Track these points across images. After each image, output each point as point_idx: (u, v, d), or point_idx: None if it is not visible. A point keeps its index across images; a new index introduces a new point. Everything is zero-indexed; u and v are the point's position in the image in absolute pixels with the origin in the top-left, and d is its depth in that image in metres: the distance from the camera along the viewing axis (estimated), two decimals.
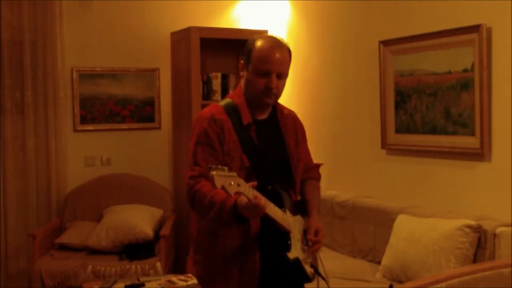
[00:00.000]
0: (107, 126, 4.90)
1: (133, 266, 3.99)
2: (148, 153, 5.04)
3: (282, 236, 2.15)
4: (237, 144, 2.16)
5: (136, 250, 4.15)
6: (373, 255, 3.68)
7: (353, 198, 3.97)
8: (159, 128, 5.07)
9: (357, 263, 3.70)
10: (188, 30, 4.66)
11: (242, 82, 2.27)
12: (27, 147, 4.56)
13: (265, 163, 2.19)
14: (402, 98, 3.81)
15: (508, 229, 2.99)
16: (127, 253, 4.13)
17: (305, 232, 2.25)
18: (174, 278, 3.61)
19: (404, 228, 3.36)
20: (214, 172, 1.79)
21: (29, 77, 4.55)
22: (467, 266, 2.96)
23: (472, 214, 3.23)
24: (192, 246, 2.32)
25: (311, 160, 2.50)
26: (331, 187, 4.24)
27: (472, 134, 3.34)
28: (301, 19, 4.84)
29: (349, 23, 4.31)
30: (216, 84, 4.85)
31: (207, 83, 4.83)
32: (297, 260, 2.18)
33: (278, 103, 2.34)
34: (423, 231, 3.21)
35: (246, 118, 2.20)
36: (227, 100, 2.28)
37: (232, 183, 1.83)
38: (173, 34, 4.94)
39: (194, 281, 3.57)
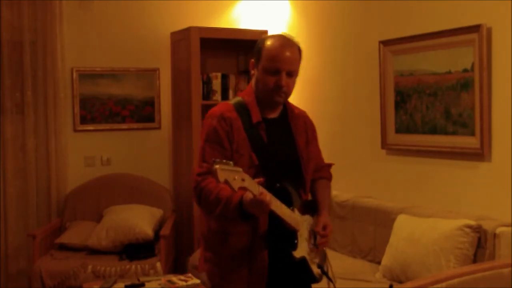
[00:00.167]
0: (107, 126, 4.90)
1: (133, 266, 3.99)
2: (148, 153, 5.04)
3: (289, 235, 2.15)
4: (246, 142, 2.17)
5: (136, 250, 4.15)
6: (373, 255, 3.68)
7: (353, 198, 3.97)
8: (159, 128, 5.08)
9: (357, 263, 3.70)
10: (188, 30, 4.67)
11: (253, 81, 2.27)
12: (27, 147, 4.57)
13: (274, 162, 2.19)
14: (402, 98, 3.81)
15: (508, 229, 2.99)
16: (127, 253, 4.13)
17: (313, 231, 2.24)
18: (174, 278, 3.64)
19: (404, 228, 3.36)
20: (217, 166, 1.79)
21: (29, 77, 4.55)
22: (467, 266, 2.96)
23: (472, 214, 3.23)
24: (202, 243, 2.33)
25: (322, 159, 2.50)
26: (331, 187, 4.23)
27: (472, 134, 3.34)
28: (301, 19, 4.84)
29: (349, 23, 4.31)
30: (216, 84, 4.85)
31: (207, 83, 4.83)
32: (303, 259, 2.18)
33: (288, 102, 2.34)
34: (423, 231, 3.21)
35: (256, 117, 2.21)
36: (237, 99, 2.29)
37: (236, 177, 1.83)
38: (173, 34, 4.94)
39: (194, 281, 3.59)
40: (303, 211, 2.24)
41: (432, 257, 3.08)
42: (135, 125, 4.99)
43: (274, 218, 2.08)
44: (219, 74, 4.87)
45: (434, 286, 2.66)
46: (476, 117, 3.30)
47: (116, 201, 4.62)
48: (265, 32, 4.91)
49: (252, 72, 2.26)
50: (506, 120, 3.18)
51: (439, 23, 3.52)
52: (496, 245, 2.97)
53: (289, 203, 2.14)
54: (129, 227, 4.23)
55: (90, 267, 3.96)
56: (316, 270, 2.23)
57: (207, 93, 4.84)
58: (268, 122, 2.24)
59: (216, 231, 2.24)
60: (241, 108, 2.22)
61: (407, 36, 3.71)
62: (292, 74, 2.20)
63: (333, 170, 2.55)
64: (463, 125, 3.39)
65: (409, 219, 3.39)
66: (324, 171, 2.48)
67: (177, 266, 4.66)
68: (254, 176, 1.98)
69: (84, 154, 4.85)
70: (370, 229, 3.73)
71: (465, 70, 3.35)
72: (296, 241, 2.15)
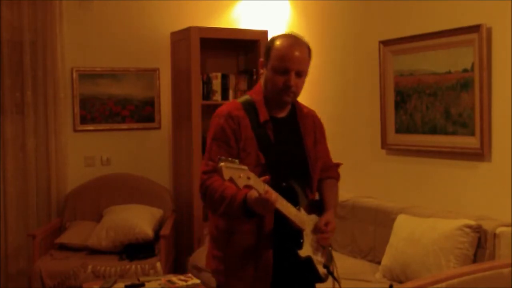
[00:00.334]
0: (107, 126, 4.90)
1: (133, 266, 3.99)
2: (148, 153, 5.04)
3: (295, 234, 2.15)
4: (253, 141, 2.17)
5: (136, 250, 4.15)
6: (373, 255, 3.68)
7: (353, 198, 3.97)
8: (159, 128, 5.08)
9: (357, 263, 3.70)
10: (188, 30, 4.67)
11: (262, 80, 2.28)
12: (27, 147, 4.56)
13: (281, 161, 2.19)
14: (402, 98, 3.81)
15: (508, 229, 2.99)
16: (127, 253, 4.13)
17: (316, 229, 2.23)
18: (174, 278, 3.64)
19: (404, 228, 3.36)
20: (222, 164, 1.80)
21: (29, 77, 4.55)
22: (467, 266, 2.96)
23: (472, 214, 3.23)
24: (211, 241, 2.34)
25: (330, 159, 2.50)
26: None
27: (472, 134, 3.34)
28: (301, 19, 4.84)
29: (349, 23, 4.32)
30: (216, 84, 4.85)
31: (207, 83, 4.83)
32: (309, 259, 2.18)
33: (297, 102, 2.34)
34: (423, 231, 3.21)
35: (263, 116, 2.21)
36: (246, 97, 2.30)
37: (242, 175, 1.84)
38: (173, 34, 4.95)
39: (194, 281, 3.59)
40: (309, 211, 2.24)
41: (432, 257, 3.08)
42: (135, 125, 4.99)
43: (280, 217, 2.09)
44: (219, 74, 4.87)
45: (434, 286, 2.66)
46: (476, 117, 3.30)
47: (116, 201, 4.62)
48: (265, 32, 4.92)
49: (261, 71, 2.27)
50: (506, 120, 3.18)
51: (439, 23, 3.53)
52: (496, 245, 2.97)
53: (295, 202, 2.14)
54: (129, 227, 4.23)
55: (90, 267, 3.96)
56: (321, 270, 2.23)
57: (207, 93, 4.84)
58: (276, 121, 2.25)
59: (222, 229, 2.24)
60: (249, 107, 2.23)
61: (407, 36, 3.72)
62: (301, 74, 2.20)
63: None
64: (463, 125, 3.39)
65: (409, 219, 3.39)
66: (332, 171, 2.48)
67: (177, 266, 4.66)
68: (260, 175, 1.99)
69: (84, 154, 4.85)
70: (370, 229, 3.73)
71: (465, 70, 3.36)
72: (301, 241, 2.15)
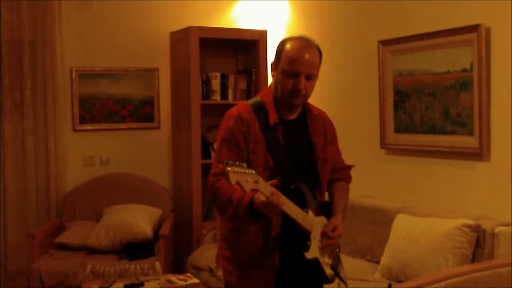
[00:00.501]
0: (106, 126, 4.90)
1: (132, 266, 3.99)
2: (147, 153, 5.04)
3: (302, 236, 2.15)
4: (262, 144, 2.18)
5: (135, 249, 4.15)
6: (372, 255, 3.69)
7: (352, 197, 3.90)
8: (158, 128, 5.08)
9: (356, 262, 3.70)
10: (187, 30, 4.67)
11: (272, 82, 2.28)
12: (27, 147, 4.56)
13: (290, 163, 2.19)
14: (401, 98, 3.81)
15: (507, 228, 3.00)
16: (127, 252, 4.13)
17: (323, 233, 2.24)
18: (173, 277, 3.65)
19: (403, 227, 3.36)
20: (229, 168, 1.80)
21: (28, 77, 4.55)
22: (466, 265, 2.97)
23: (471, 213, 3.23)
24: (220, 242, 2.35)
25: (341, 161, 2.49)
26: None
27: (471, 133, 3.34)
28: (300, 19, 4.85)
29: (348, 23, 4.32)
30: (215, 84, 4.85)
31: (206, 83, 4.83)
32: (315, 261, 2.18)
33: (308, 104, 2.34)
34: (422, 230, 3.21)
35: (273, 118, 2.21)
36: (256, 99, 2.30)
37: (249, 180, 1.84)
38: (173, 34, 4.95)
39: (193, 280, 3.59)
40: (318, 213, 2.24)
41: (431, 256, 3.08)
42: (134, 125, 4.99)
43: (287, 220, 2.09)
44: (218, 74, 4.87)
45: (433, 285, 2.67)
46: (475, 117, 3.31)
47: (116, 200, 4.61)
48: (264, 32, 4.92)
49: (272, 73, 2.27)
50: (505, 119, 3.19)
51: (438, 23, 3.53)
52: (495, 244, 2.98)
53: (303, 205, 2.14)
54: (129, 226, 4.23)
55: (89, 266, 3.97)
56: (328, 271, 2.24)
57: (206, 93, 4.84)
58: (285, 123, 2.24)
59: (231, 230, 2.26)
60: (259, 109, 2.23)
61: (406, 36, 3.72)
62: (311, 77, 2.19)
63: None
64: (462, 125, 3.40)
65: (408, 218, 3.40)
66: (342, 173, 2.47)
67: (176, 266, 4.66)
68: (269, 177, 2.00)
69: (83, 154, 4.85)
70: (369, 229, 3.73)
71: (464, 70, 3.36)
72: (308, 243, 2.15)
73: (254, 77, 4.92)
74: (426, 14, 3.64)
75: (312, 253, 2.16)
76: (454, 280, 2.72)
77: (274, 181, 1.97)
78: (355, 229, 3.86)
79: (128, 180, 4.81)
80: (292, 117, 2.29)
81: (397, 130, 3.86)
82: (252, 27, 5.09)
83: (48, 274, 3.94)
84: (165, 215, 4.65)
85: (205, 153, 4.82)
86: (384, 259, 3.40)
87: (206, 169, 4.74)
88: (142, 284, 3.51)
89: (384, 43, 3.89)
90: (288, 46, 2.20)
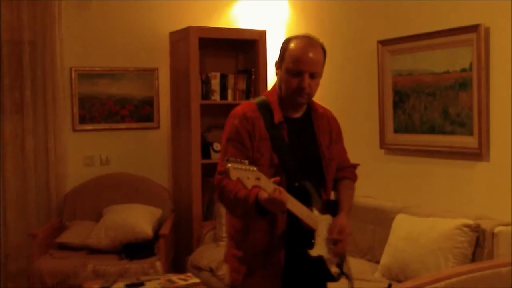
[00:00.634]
0: (106, 125, 4.90)
1: (133, 266, 4.00)
2: (147, 152, 5.04)
3: (307, 234, 2.16)
4: (267, 142, 2.19)
5: (135, 249, 4.16)
6: (372, 255, 3.69)
7: None
8: (158, 127, 5.08)
9: (356, 262, 3.70)
10: (187, 30, 4.67)
11: (277, 81, 2.29)
12: (27, 147, 4.57)
13: (294, 161, 2.20)
14: (400, 98, 3.82)
15: (507, 228, 3.01)
16: (127, 252, 4.14)
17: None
18: (173, 277, 3.65)
19: (403, 227, 3.37)
20: (229, 165, 1.82)
21: (28, 77, 4.55)
22: (466, 265, 2.98)
23: (470, 213, 3.24)
24: (228, 240, 2.36)
25: (347, 159, 2.50)
26: None
27: (470, 133, 3.35)
28: (299, 19, 4.85)
29: (348, 23, 4.32)
30: (215, 83, 4.85)
31: (206, 82, 4.83)
32: (320, 258, 2.19)
33: (313, 102, 2.35)
34: (422, 230, 3.22)
35: (278, 117, 2.23)
36: (261, 98, 2.31)
37: (250, 176, 1.86)
38: (172, 34, 4.95)
39: (193, 280, 3.60)
40: (323, 211, 2.24)
41: (431, 256, 3.09)
42: (134, 125, 5.00)
43: (293, 218, 2.10)
44: (218, 74, 4.87)
45: (433, 285, 2.68)
46: (474, 117, 3.32)
47: (116, 200, 4.62)
48: (264, 32, 4.93)
49: (276, 72, 2.28)
50: (504, 119, 3.20)
51: (437, 23, 3.54)
52: (495, 244, 2.99)
53: (308, 203, 2.15)
54: (129, 226, 4.24)
55: (90, 266, 3.97)
56: (334, 269, 2.25)
57: (206, 93, 4.84)
58: (290, 122, 2.26)
59: (237, 228, 2.27)
60: (264, 108, 2.24)
61: (406, 36, 3.73)
62: (315, 75, 2.21)
63: None
64: (461, 125, 3.41)
65: (408, 218, 3.40)
66: (348, 171, 2.48)
67: (177, 266, 4.67)
68: (274, 176, 2.02)
69: (83, 153, 4.85)
70: (369, 229, 3.74)
71: (463, 70, 3.37)
72: (313, 241, 2.16)
73: (253, 77, 4.92)
74: (426, 14, 3.65)
75: (317, 250, 2.17)
76: (454, 280, 2.73)
77: (277, 178, 1.98)
78: (355, 229, 3.83)
79: (128, 180, 4.82)
80: (297, 115, 2.30)
81: (396, 130, 3.87)
82: (252, 27, 5.09)
83: (48, 274, 3.94)
84: (165, 215, 4.65)
85: (205, 153, 4.83)
86: (384, 259, 3.41)
87: (206, 169, 4.75)
88: (142, 283, 3.52)
89: (383, 43, 3.90)
90: (292, 44, 2.21)
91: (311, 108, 2.34)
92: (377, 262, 3.53)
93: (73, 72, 4.77)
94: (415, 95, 3.70)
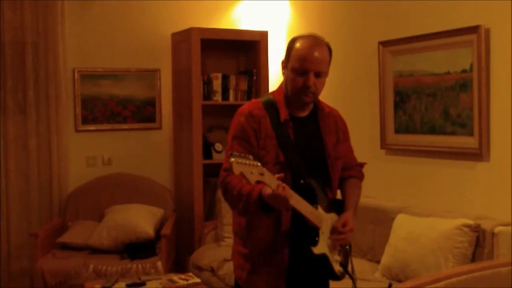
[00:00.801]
0: (109, 126, 4.92)
1: (134, 265, 4.01)
2: (149, 153, 5.06)
3: (311, 232, 2.17)
4: (273, 140, 2.20)
5: (137, 249, 4.17)
6: (372, 254, 3.70)
7: None
8: (160, 128, 5.10)
9: (357, 262, 3.68)
10: (189, 31, 4.69)
11: (283, 80, 2.31)
12: (29, 147, 4.58)
13: (300, 159, 2.21)
14: (401, 98, 3.83)
15: (507, 228, 3.01)
16: (128, 252, 4.15)
17: (333, 229, 2.25)
18: (175, 277, 3.66)
19: (403, 227, 3.38)
20: (233, 159, 1.83)
21: (31, 77, 4.57)
22: (466, 265, 2.98)
23: (470, 213, 3.25)
24: (234, 237, 2.37)
25: (354, 158, 2.51)
26: None
27: (471, 134, 3.36)
28: (301, 19, 4.86)
29: (349, 23, 4.34)
30: (217, 84, 4.86)
31: (207, 83, 4.85)
32: (323, 256, 2.20)
33: (320, 101, 2.36)
34: (422, 230, 3.23)
35: (284, 115, 2.24)
36: (267, 96, 2.33)
37: (253, 171, 1.86)
38: (174, 35, 4.97)
39: (195, 280, 3.61)
40: (329, 209, 2.25)
41: (431, 256, 3.10)
42: (136, 125, 5.01)
43: (297, 216, 2.12)
44: (219, 75, 4.89)
45: (433, 285, 2.68)
46: (474, 118, 3.32)
47: (118, 200, 4.63)
48: (265, 33, 4.94)
49: (283, 71, 2.30)
50: (504, 120, 3.20)
51: (438, 24, 3.55)
52: (495, 244, 2.99)
53: (312, 201, 2.15)
54: (130, 226, 4.25)
55: (91, 266, 3.98)
56: (337, 268, 2.26)
57: (208, 94, 4.86)
58: (296, 120, 2.27)
59: (242, 225, 2.28)
60: (270, 106, 2.26)
61: (406, 36, 3.74)
62: (321, 74, 2.22)
63: None
64: (462, 125, 3.42)
65: (408, 218, 3.41)
66: (354, 170, 2.48)
67: (178, 265, 4.68)
68: (279, 173, 2.03)
69: (86, 154, 4.87)
70: (369, 229, 3.74)
71: (464, 71, 3.38)
72: (316, 239, 2.17)
73: (255, 77, 4.93)
74: (426, 15, 3.66)
75: (320, 248, 2.18)
76: (454, 279, 2.73)
77: (281, 174, 1.99)
78: (355, 229, 3.83)
79: (130, 180, 4.83)
80: (303, 114, 2.31)
81: (397, 131, 3.88)
82: (253, 28, 5.10)
83: (50, 274, 3.96)
84: (167, 215, 4.66)
85: (207, 153, 4.84)
86: (385, 259, 3.42)
87: (207, 169, 4.76)
88: (144, 283, 3.53)
89: (384, 44, 3.91)
90: (298, 44, 2.23)
91: (318, 107, 2.36)
92: (378, 262, 3.53)
93: (75, 72, 4.79)
94: (416, 96, 3.71)
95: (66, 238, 4.34)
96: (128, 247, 4.20)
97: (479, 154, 3.32)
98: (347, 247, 2.36)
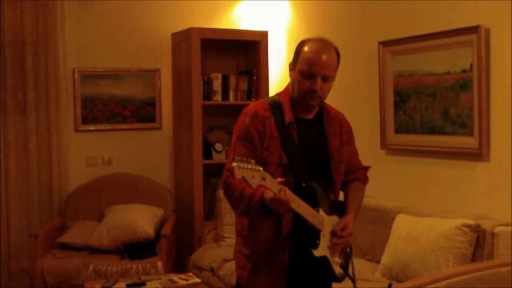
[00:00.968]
0: (109, 126, 4.92)
1: (134, 265, 4.01)
2: (149, 153, 5.06)
3: (312, 235, 2.17)
4: (277, 141, 2.21)
5: (137, 249, 4.17)
6: (373, 254, 3.70)
7: None
8: (160, 128, 5.10)
9: (357, 262, 3.69)
10: (189, 31, 4.69)
11: (290, 82, 2.31)
12: (29, 147, 4.58)
13: (303, 162, 2.21)
14: (401, 99, 3.83)
15: (507, 228, 3.01)
16: (128, 252, 4.15)
17: (334, 232, 2.25)
18: (175, 277, 3.66)
19: (403, 227, 3.38)
20: (235, 164, 1.83)
21: (31, 77, 4.57)
22: (466, 265, 2.99)
23: (470, 213, 3.25)
24: (236, 237, 2.38)
25: (358, 162, 2.51)
26: None
27: (471, 134, 3.36)
28: (301, 20, 4.86)
29: (349, 23, 4.34)
30: (217, 84, 4.87)
31: (207, 83, 4.85)
32: (324, 259, 2.20)
33: (326, 104, 2.36)
34: (422, 230, 3.23)
35: (288, 117, 2.24)
36: (273, 97, 2.33)
37: (255, 176, 1.87)
38: (174, 35, 4.97)
39: (195, 280, 3.61)
40: (330, 212, 2.25)
41: (431, 256, 3.10)
42: (136, 125, 5.01)
43: (299, 218, 2.12)
44: (219, 75, 4.89)
45: (433, 285, 2.69)
46: (474, 118, 3.33)
47: (118, 200, 4.64)
48: (265, 33, 4.94)
49: (290, 73, 2.29)
50: (504, 120, 3.21)
51: (438, 24, 3.55)
52: (495, 244, 2.99)
53: (315, 203, 2.16)
54: (130, 226, 4.26)
55: (91, 266, 3.99)
56: (338, 270, 2.26)
57: (208, 94, 4.86)
58: (301, 123, 2.27)
59: (245, 226, 2.29)
60: (276, 107, 2.26)
61: (406, 37, 3.74)
62: (328, 79, 2.21)
63: None
64: (462, 125, 3.42)
65: (408, 218, 3.41)
66: (358, 173, 2.48)
67: (178, 265, 4.68)
68: (282, 175, 2.05)
69: (86, 154, 4.87)
70: (369, 229, 3.75)
71: (464, 71, 3.38)
72: (317, 241, 2.17)
73: (255, 77, 4.93)
74: (426, 15, 3.66)
75: (321, 251, 2.18)
76: (454, 279, 2.74)
77: (283, 179, 1.99)
78: (355, 229, 3.82)
79: (130, 180, 4.83)
80: (309, 116, 2.31)
81: (397, 131, 3.88)
82: (253, 28, 5.10)
83: (50, 274, 3.96)
84: (167, 215, 4.67)
85: (207, 153, 4.85)
86: (385, 259, 3.42)
87: (207, 169, 4.77)
88: (144, 283, 3.53)
89: (384, 44, 3.91)
90: (306, 47, 2.23)
91: (323, 110, 2.36)
92: (378, 262, 3.53)
93: (75, 72, 4.80)
94: (416, 96, 3.71)
95: (66, 238, 4.35)
96: (128, 247, 4.20)
97: (479, 154, 3.32)
98: (348, 249, 2.37)
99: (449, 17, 3.49)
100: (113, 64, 4.91)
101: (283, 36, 5.04)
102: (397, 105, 3.86)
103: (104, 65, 4.89)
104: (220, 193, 4.47)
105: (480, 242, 3.06)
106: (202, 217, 4.72)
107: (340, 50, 2.31)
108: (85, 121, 4.85)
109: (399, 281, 3.21)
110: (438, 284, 2.69)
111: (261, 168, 1.90)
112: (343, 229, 2.24)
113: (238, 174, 1.83)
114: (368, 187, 4.10)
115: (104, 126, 4.91)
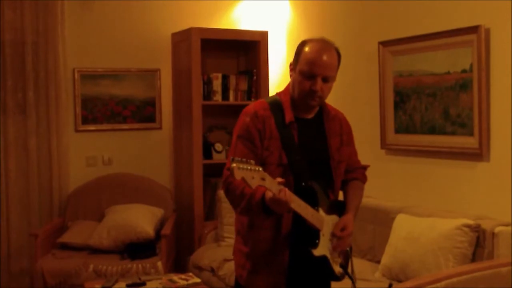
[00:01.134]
0: (109, 126, 4.92)
1: (134, 265, 4.01)
2: (149, 153, 5.06)
3: (311, 234, 2.18)
4: (277, 141, 2.21)
5: (137, 249, 4.17)
6: (373, 254, 3.70)
7: None
8: (160, 128, 5.10)
9: (357, 262, 3.70)
10: (189, 31, 4.69)
11: (290, 82, 2.31)
12: (29, 147, 4.58)
13: (303, 161, 2.21)
14: (401, 99, 3.83)
15: (507, 228, 3.01)
16: (129, 252, 4.16)
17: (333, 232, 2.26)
18: (175, 277, 3.67)
19: (403, 227, 3.38)
20: (234, 165, 1.83)
21: (31, 77, 4.57)
22: (466, 265, 2.99)
23: (471, 213, 3.25)
24: (236, 236, 2.38)
25: (357, 161, 2.52)
26: None
27: (471, 134, 3.36)
28: (301, 20, 4.86)
29: (349, 23, 4.34)
30: (217, 84, 4.87)
31: (207, 83, 4.85)
32: (324, 258, 2.20)
33: (326, 104, 2.37)
34: (422, 230, 3.23)
35: (289, 117, 2.25)
36: (274, 97, 2.34)
37: (255, 176, 1.87)
38: (174, 34, 4.97)
39: (195, 280, 3.61)
40: (330, 211, 2.26)
41: (431, 256, 3.10)
42: (136, 125, 5.01)
43: (298, 218, 2.12)
44: (219, 75, 4.89)
45: (433, 285, 2.69)
46: (474, 118, 3.33)
47: (118, 200, 4.64)
48: (265, 33, 4.94)
49: (290, 73, 2.30)
50: (504, 120, 3.21)
51: (438, 24, 3.55)
52: (495, 244, 2.99)
53: (314, 203, 2.16)
54: (131, 226, 4.26)
55: (91, 266, 3.99)
56: (337, 269, 2.26)
57: (208, 94, 4.86)
58: (301, 122, 2.27)
59: (245, 225, 2.29)
60: (276, 107, 2.26)
61: (407, 36, 3.74)
62: (328, 79, 2.22)
63: None
64: (462, 125, 3.42)
65: (408, 218, 3.41)
66: (357, 173, 2.49)
67: (178, 265, 4.68)
68: (282, 175, 2.05)
69: (86, 154, 4.87)
70: (369, 229, 3.75)
71: (464, 71, 3.38)
72: (317, 241, 2.17)
73: (255, 77, 4.93)
74: (426, 15, 3.66)
75: (321, 250, 2.18)
76: (454, 279, 2.74)
77: (283, 180, 2.00)
78: (355, 229, 3.84)
79: (130, 180, 4.83)
80: (309, 116, 2.31)
81: (397, 131, 3.88)
82: (253, 28, 5.10)
83: (50, 274, 3.96)
84: (167, 215, 4.67)
85: (207, 153, 4.85)
86: (385, 259, 3.42)
87: (207, 169, 4.77)
88: (144, 283, 3.54)
89: (384, 44, 3.91)
90: (307, 47, 2.23)
91: (323, 110, 2.36)
92: (378, 262, 3.54)
93: (75, 72, 4.80)
94: (416, 96, 3.71)
95: (66, 238, 4.35)
96: (128, 247, 4.20)
97: (479, 154, 3.32)
98: (348, 248, 2.37)
99: (449, 17, 3.49)
100: (113, 64, 4.92)
101: (283, 36, 5.04)
102: (397, 105, 3.86)
103: (104, 65, 4.89)
104: (220, 193, 4.47)
105: (480, 242, 3.06)
106: (202, 217, 4.72)
107: (340, 50, 2.31)
108: (85, 121, 4.85)
109: (399, 281, 3.21)
110: (438, 284, 2.69)
111: (260, 169, 1.90)
112: (343, 229, 2.24)
113: (238, 175, 1.84)
114: (368, 187, 4.10)
115: (104, 126, 4.91)
